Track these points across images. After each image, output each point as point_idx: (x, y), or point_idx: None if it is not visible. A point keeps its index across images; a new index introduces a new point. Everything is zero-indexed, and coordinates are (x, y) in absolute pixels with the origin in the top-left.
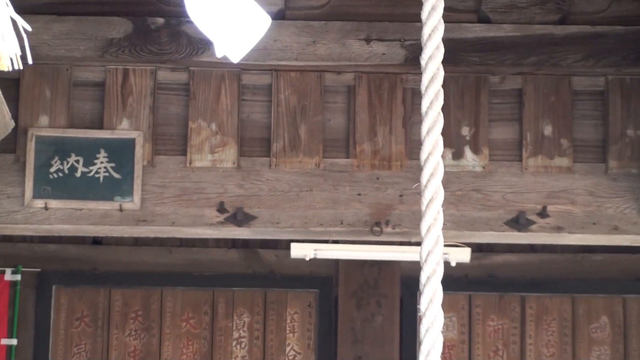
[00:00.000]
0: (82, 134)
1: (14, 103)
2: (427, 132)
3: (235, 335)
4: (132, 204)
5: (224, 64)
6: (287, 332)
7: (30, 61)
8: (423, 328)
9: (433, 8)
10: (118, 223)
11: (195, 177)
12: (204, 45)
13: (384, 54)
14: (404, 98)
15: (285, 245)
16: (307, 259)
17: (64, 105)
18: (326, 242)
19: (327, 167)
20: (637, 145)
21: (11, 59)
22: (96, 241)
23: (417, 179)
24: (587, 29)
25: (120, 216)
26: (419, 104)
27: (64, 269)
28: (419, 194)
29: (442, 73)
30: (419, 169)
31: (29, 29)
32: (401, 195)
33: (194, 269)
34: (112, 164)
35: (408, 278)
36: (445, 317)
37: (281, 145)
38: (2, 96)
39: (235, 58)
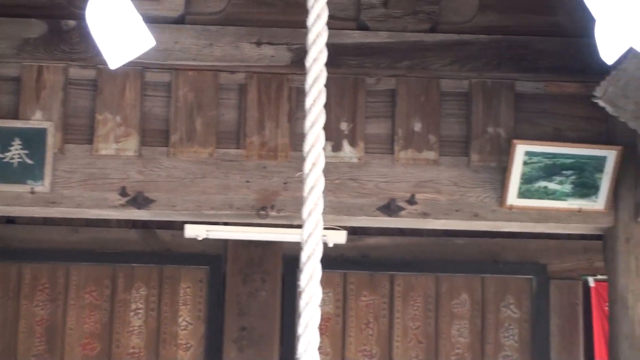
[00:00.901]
0: None
1: None
2: (310, 127)
3: (133, 307)
4: (42, 187)
5: (129, 62)
6: (180, 304)
7: None
8: (302, 302)
9: (318, 16)
10: (30, 204)
11: (100, 164)
12: None
13: (272, 56)
14: (289, 96)
15: (180, 226)
16: (200, 238)
17: None
18: (217, 224)
19: (219, 157)
20: (496, 141)
21: None
22: (9, 220)
23: (300, 169)
24: (454, 37)
25: (32, 198)
26: (303, 102)
27: None
28: (301, 182)
29: (324, 74)
30: (302, 159)
31: None
32: (285, 183)
33: (97, 247)
34: (26, 151)
35: (290, 257)
36: (322, 293)
37: (178, 137)
38: None
39: (113, 65)
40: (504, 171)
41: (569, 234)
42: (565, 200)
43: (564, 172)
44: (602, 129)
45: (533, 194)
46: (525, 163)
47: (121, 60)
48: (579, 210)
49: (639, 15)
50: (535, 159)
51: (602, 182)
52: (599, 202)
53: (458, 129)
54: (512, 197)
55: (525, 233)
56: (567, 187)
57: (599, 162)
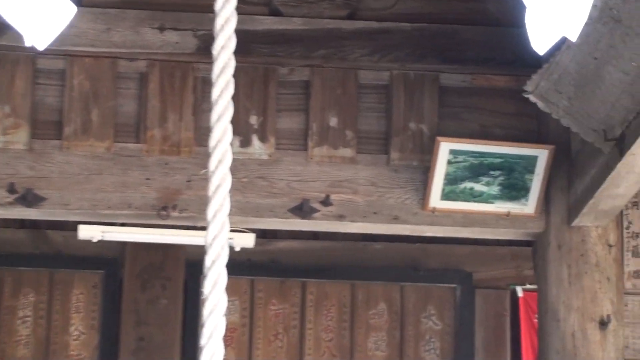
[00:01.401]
0: None
1: None
2: (217, 120)
3: (21, 314)
4: None
5: (19, 48)
6: (72, 312)
7: None
8: (206, 311)
9: (226, 0)
10: None
11: None
12: None
13: (177, 42)
14: (194, 86)
15: (74, 226)
16: (94, 240)
17: None
18: (114, 224)
19: (117, 152)
20: (419, 138)
21: None
22: None
23: (205, 165)
24: (373, 24)
25: None
26: (210, 93)
27: None
28: (206, 180)
29: (233, 63)
30: (208, 155)
31: None
32: (189, 181)
33: None
34: None
35: (193, 262)
36: (228, 301)
37: (73, 129)
38: None
39: (41, 46)
40: (426, 171)
41: (496, 240)
42: (492, 202)
43: (492, 172)
44: (533, 127)
45: (458, 195)
46: (449, 162)
47: (47, 38)
48: (508, 214)
49: (573, 2)
50: (460, 158)
51: (533, 183)
52: (529, 206)
53: (377, 124)
54: (435, 199)
55: (449, 238)
56: (495, 189)
57: (530, 162)
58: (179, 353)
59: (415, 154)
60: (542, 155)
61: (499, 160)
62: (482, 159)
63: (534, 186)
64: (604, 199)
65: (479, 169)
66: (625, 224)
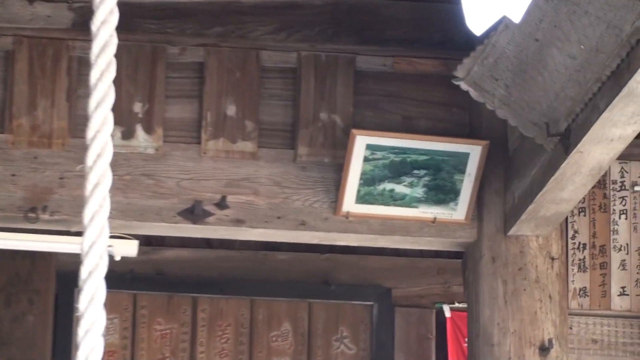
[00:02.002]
0: None
1: None
2: (96, 107)
3: None
4: None
5: None
6: None
7: None
8: (81, 330)
9: None
10: None
11: None
12: None
13: (49, 16)
14: (69, 67)
15: None
16: None
17: None
18: None
19: None
20: (331, 131)
21: None
22: None
23: (81, 160)
24: None
25: None
26: (87, 75)
27: None
28: (82, 177)
29: (115, 41)
30: (84, 148)
31: None
32: (62, 178)
33: None
34: None
35: (65, 272)
36: (106, 319)
37: None
38: None
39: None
40: (339, 169)
41: (419, 251)
42: (416, 207)
43: (416, 171)
44: (465, 119)
45: (376, 198)
46: (366, 159)
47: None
48: (433, 221)
49: None
50: (379, 155)
51: (463, 185)
52: (458, 211)
53: (283, 114)
54: (349, 202)
55: (364, 248)
56: (419, 191)
57: (460, 160)
58: None
59: (327, 149)
60: (474, 152)
61: (424, 157)
62: (404, 155)
63: (464, 188)
64: (546, 204)
65: (400, 167)
66: (570, 233)
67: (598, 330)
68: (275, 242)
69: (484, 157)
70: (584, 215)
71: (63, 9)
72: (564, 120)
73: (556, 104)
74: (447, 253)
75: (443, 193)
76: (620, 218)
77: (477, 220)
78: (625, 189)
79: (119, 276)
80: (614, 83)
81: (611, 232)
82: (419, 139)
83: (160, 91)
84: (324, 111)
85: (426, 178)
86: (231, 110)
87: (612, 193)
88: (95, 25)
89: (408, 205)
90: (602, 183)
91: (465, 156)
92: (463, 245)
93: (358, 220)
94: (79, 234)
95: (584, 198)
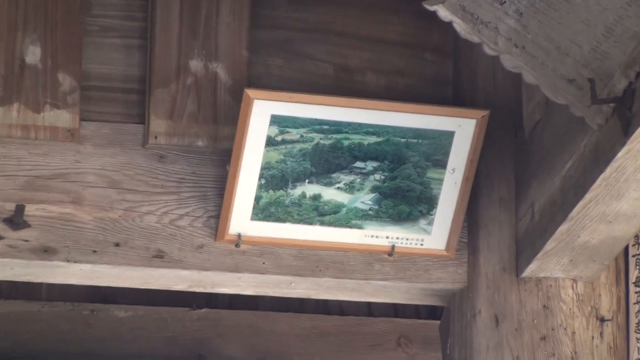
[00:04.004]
0: None
1: None
2: None
3: None
4: None
5: None
6: None
7: None
8: None
9: None
10: None
11: None
12: None
13: None
14: None
15: None
16: None
17: None
18: None
19: None
20: (209, 92)
21: None
22: None
23: None
24: None
25: None
26: None
27: None
28: None
29: None
30: None
31: None
32: None
33: None
34: None
35: None
36: None
37: None
38: None
39: None
40: (225, 160)
41: (367, 305)
42: (360, 227)
43: (360, 164)
44: (445, 73)
45: (289, 212)
46: (272, 142)
47: None
48: (391, 252)
49: None
50: (294, 134)
51: (444, 189)
52: (434, 235)
53: (124, 62)
54: (242, 219)
55: (268, 299)
56: (366, 199)
57: (438, 146)
58: None
59: (202, 125)
60: (463, 131)
61: (373, 139)
62: (339, 136)
63: (445, 195)
64: (590, 224)
65: (332, 156)
66: (633, 275)
67: None
68: (112, 288)
69: (480, 140)
70: None
71: None
72: (622, 75)
73: (608, 45)
74: (413, 309)
75: (408, 203)
76: None
77: (467, 251)
78: None
79: None
80: None
81: None
82: (365, 106)
83: None
84: (197, 57)
85: (378, 176)
86: (33, 54)
87: None
88: None
89: (345, 223)
90: None
91: (447, 138)
92: (443, 296)
93: (256, 249)
94: None
95: None
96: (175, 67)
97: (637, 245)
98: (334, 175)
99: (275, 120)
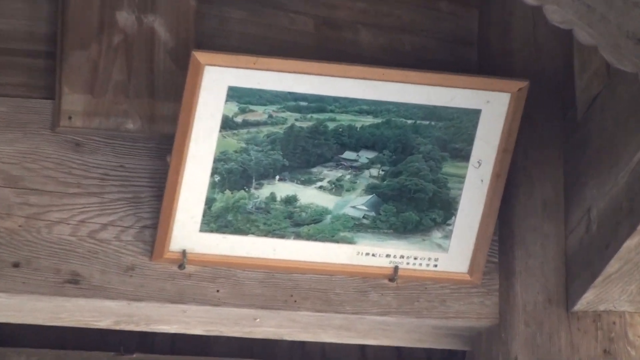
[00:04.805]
0: None
1: None
2: None
3: None
4: None
5: None
6: None
7: None
8: None
9: None
10: None
11: None
12: None
13: None
14: None
15: None
16: None
17: None
18: None
19: None
20: (143, 56)
21: None
22: None
23: None
24: None
25: None
26: None
27: None
28: None
29: None
30: None
31: None
32: None
33: None
34: None
35: None
36: None
37: None
38: None
39: None
40: (165, 149)
41: (361, 348)
42: (351, 241)
43: (350, 154)
44: (468, 31)
45: (252, 219)
46: (229, 124)
47: None
48: (393, 276)
49: None
50: (260, 113)
51: (466, 189)
52: (453, 252)
53: (23, 14)
54: (187, 231)
55: (223, 340)
56: (359, 202)
57: (459, 130)
58: None
59: (133, 101)
60: (492, 108)
61: (369, 120)
62: (322, 116)
63: (468, 196)
64: None
65: (313, 145)
66: None
67: None
68: (10, 326)
69: (516, 121)
70: None
71: None
72: None
73: None
74: (423, 355)
75: (416, 208)
76: None
77: (499, 275)
78: None
79: None
80: None
81: None
82: (358, 75)
83: None
84: (127, 7)
85: (375, 171)
86: None
87: None
88: None
89: (330, 236)
90: None
91: (470, 119)
92: (465, 337)
93: (207, 272)
94: None
95: None
96: (97, 21)
97: None
98: (314, 170)
99: (235, 94)
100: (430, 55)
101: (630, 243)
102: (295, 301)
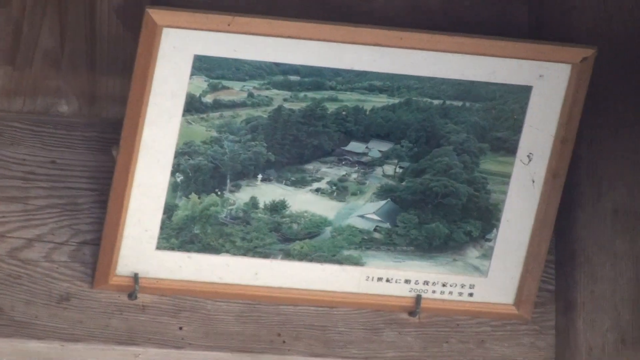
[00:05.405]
0: None
1: None
2: None
3: None
4: None
5: None
6: None
7: None
8: None
9: None
10: None
11: None
12: None
13: None
14: None
15: None
16: None
17: None
18: None
19: None
20: (83, 19)
21: None
22: None
23: None
24: None
25: None
26: None
27: None
28: None
29: None
30: None
31: None
32: None
33: None
34: None
35: None
36: None
37: None
38: None
39: None
40: (112, 138)
41: None
42: (360, 262)
43: (356, 144)
44: None
45: (226, 232)
46: (196, 108)
47: None
48: (414, 310)
49: None
50: (237, 92)
51: (512, 191)
52: (493, 277)
53: None
54: (142, 247)
55: None
56: (369, 209)
57: (502, 111)
58: None
59: (66, 76)
60: (548, 83)
61: (383, 101)
62: (319, 95)
63: (515, 202)
64: None
65: (307, 133)
66: None
67: None
68: None
69: (579, 102)
70: None
71: None
72: None
73: None
74: None
75: (446, 218)
76: None
77: (555, 308)
78: None
79: None
80: None
81: None
82: (367, 40)
83: None
84: None
85: (390, 168)
86: None
87: None
88: None
89: (331, 255)
90: None
91: (518, 99)
92: None
93: (167, 303)
94: None
95: None
96: None
97: None
98: (309, 167)
99: (203, 65)
100: (464, 14)
101: None
102: (284, 342)
